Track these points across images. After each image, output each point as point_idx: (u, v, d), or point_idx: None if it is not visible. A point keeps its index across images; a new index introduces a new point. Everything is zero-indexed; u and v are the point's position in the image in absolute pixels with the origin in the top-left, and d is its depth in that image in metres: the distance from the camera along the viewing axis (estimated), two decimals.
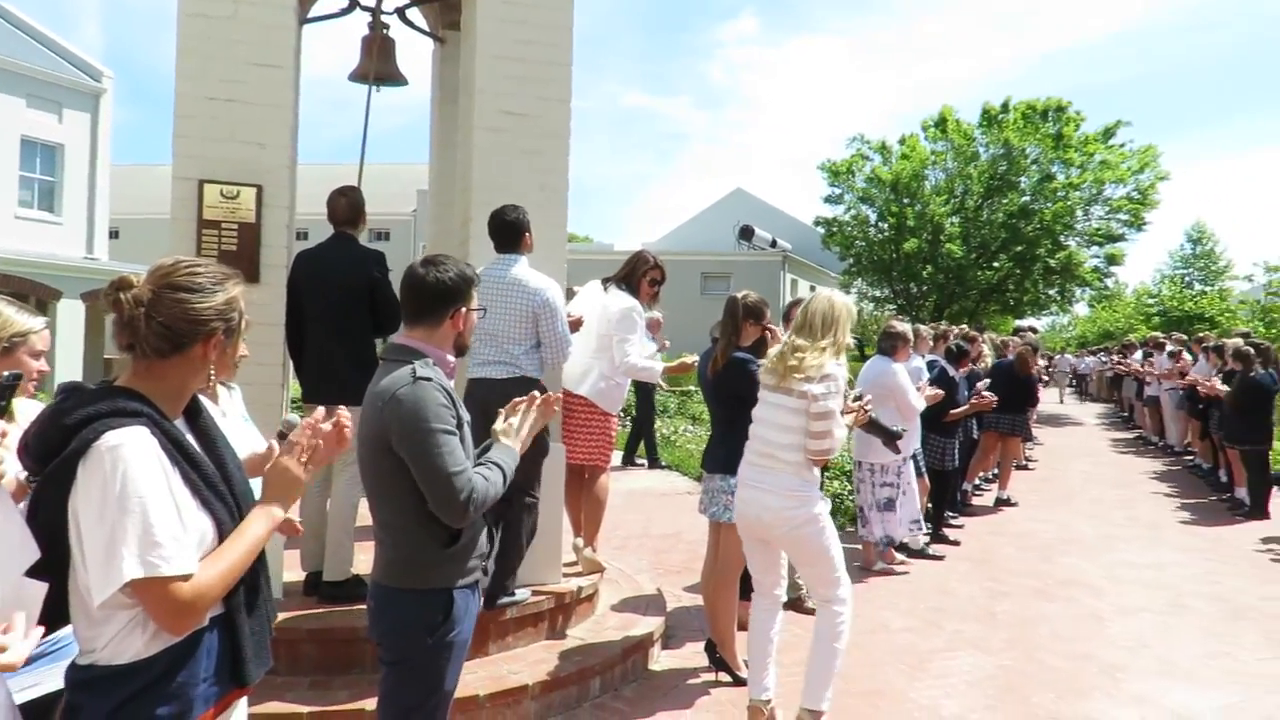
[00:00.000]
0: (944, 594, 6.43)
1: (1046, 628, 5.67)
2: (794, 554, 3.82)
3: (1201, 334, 14.44)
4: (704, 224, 38.77)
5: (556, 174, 4.96)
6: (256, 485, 1.95)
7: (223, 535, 1.78)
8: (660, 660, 4.90)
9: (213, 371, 1.88)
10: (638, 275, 5.42)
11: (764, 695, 3.90)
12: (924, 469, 7.73)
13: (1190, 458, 12.87)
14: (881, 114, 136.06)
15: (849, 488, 8.13)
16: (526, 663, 4.31)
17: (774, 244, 33.87)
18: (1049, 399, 25.56)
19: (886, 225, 26.85)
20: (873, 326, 26.47)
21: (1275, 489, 9.65)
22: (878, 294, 29.27)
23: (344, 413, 2.04)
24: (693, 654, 4.97)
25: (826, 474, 8.27)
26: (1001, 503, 9.85)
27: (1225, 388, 9.53)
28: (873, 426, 4.92)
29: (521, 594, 4.58)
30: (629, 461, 11.63)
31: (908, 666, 4.94)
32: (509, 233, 4.50)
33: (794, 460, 3.68)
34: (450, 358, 2.58)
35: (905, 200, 26.16)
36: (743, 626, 4.45)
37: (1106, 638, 5.51)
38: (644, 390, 11.31)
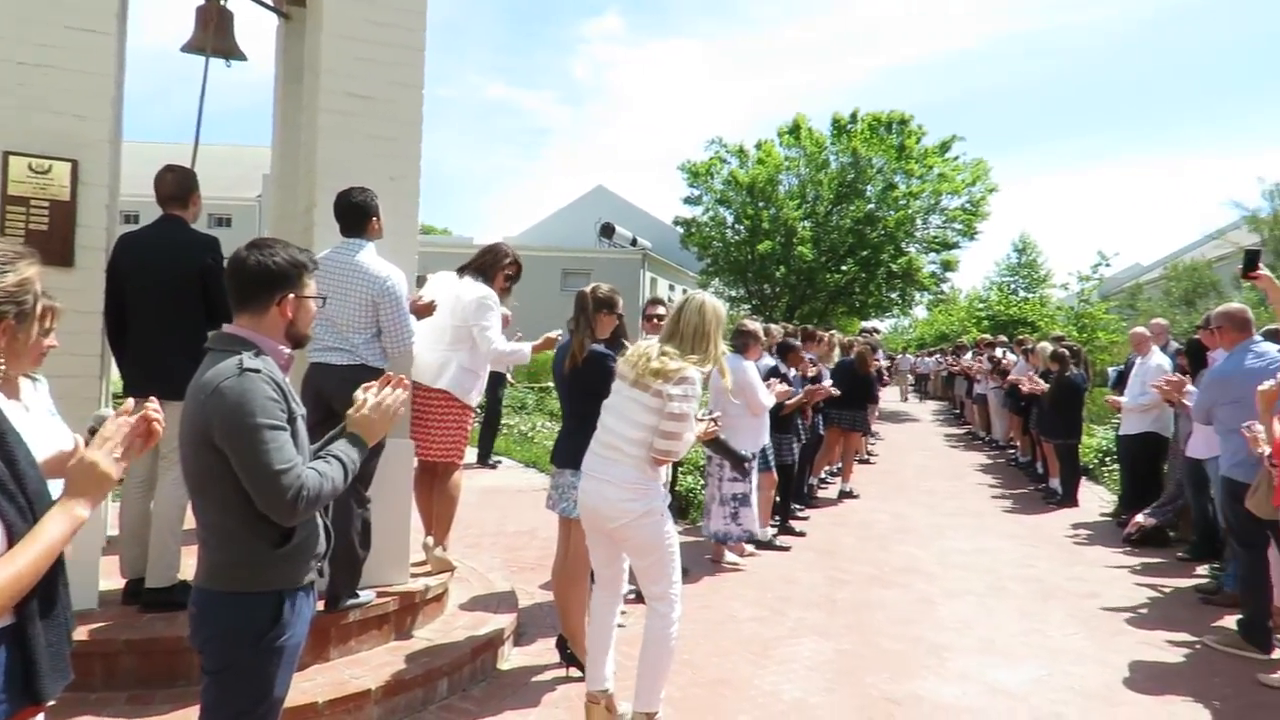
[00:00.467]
0: (789, 583, 6.67)
1: (883, 613, 5.98)
2: (630, 547, 3.82)
3: (1022, 336, 15.60)
4: (565, 220, 38.77)
5: (407, 162, 4.81)
6: (62, 485, 1.79)
7: (13, 539, 1.63)
8: (511, 659, 4.84)
9: (1, 361, 1.70)
10: (495, 268, 5.34)
11: (601, 685, 3.91)
12: (772, 464, 8.02)
13: (1012, 451, 13.89)
14: (740, 118, 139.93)
15: (701, 482, 8.29)
16: (370, 666, 4.17)
17: (634, 242, 34.22)
18: (892, 397, 27.07)
19: (742, 227, 27.64)
20: (728, 325, 27.31)
21: (1084, 479, 10.59)
22: (733, 294, 30.05)
23: (153, 404, 1.90)
24: (544, 651, 4.93)
25: (680, 469, 8.50)
26: (844, 495, 10.32)
27: (1045, 385, 10.34)
28: (717, 446, 4.99)
29: (365, 595, 4.42)
30: (485, 461, 11.43)
31: (753, 654, 5.09)
32: (354, 215, 4.33)
33: (637, 455, 3.68)
34: (284, 348, 2.44)
35: (761, 203, 27.04)
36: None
37: (935, 620, 5.86)
38: (492, 386, 11.15)
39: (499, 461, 11.43)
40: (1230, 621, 5.71)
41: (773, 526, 7.99)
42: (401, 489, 4.76)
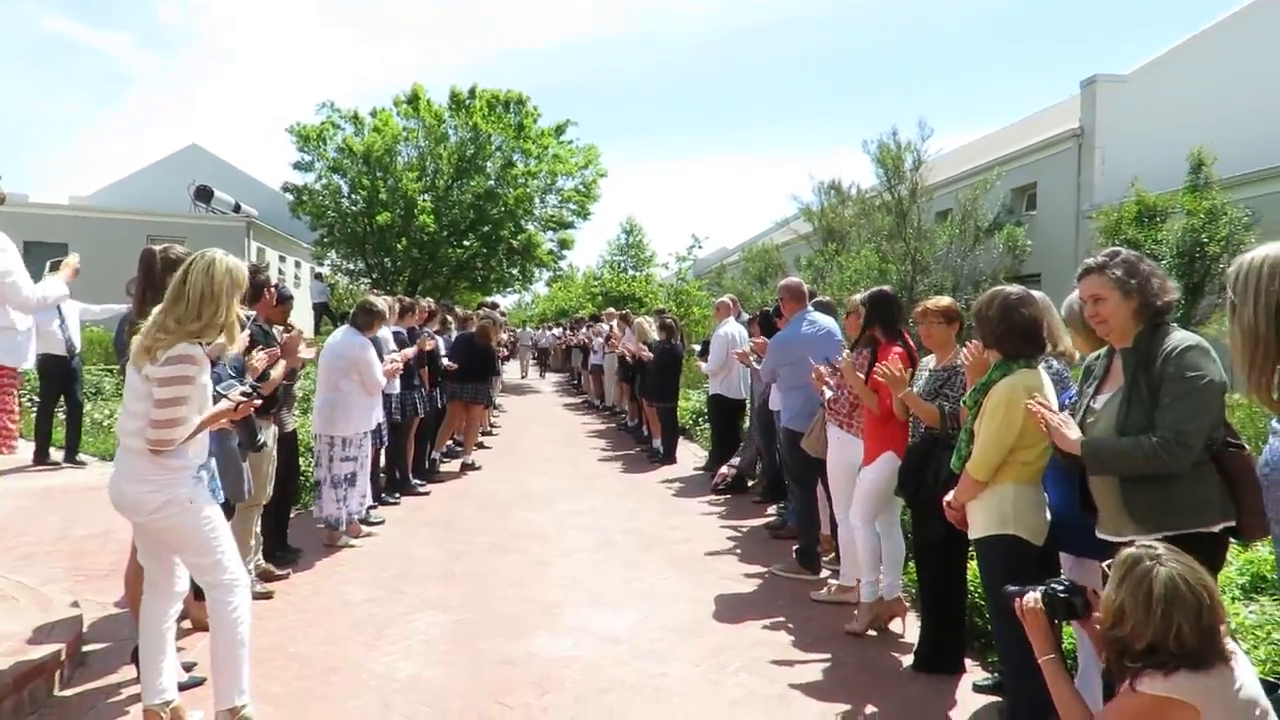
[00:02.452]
0: (407, 560, 6.53)
1: (499, 579, 6.09)
2: (165, 541, 3.51)
3: (626, 310, 16.87)
4: (152, 180, 34.01)
5: None
6: None
7: None
8: (75, 682, 4.15)
9: None
10: None
11: (160, 698, 3.54)
12: (385, 440, 7.91)
13: (622, 415, 15.00)
14: (353, 84, 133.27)
15: (310, 462, 7.82)
16: None
17: (237, 209, 31.07)
18: (513, 371, 27.78)
19: (359, 197, 26.28)
20: (348, 300, 25.79)
21: (681, 439, 11.75)
22: (352, 267, 28.59)
23: None
24: (120, 667, 4.31)
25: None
26: (467, 468, 10.37)
27: (650, 354, 11.25)
28: (244, 425, 4.65)
29: None
30: (72, 458, 9.67)
31: (367, 637, 4.90)
32: None
33: (137, 445, 3.36)
34: None
35: (378, 174, 25.92)
36: None
37: (549, 579, 6.10)
38: (66, 376, 9.54)
39: (84, 462, 9.74)
40: (792, 552, 6.63)
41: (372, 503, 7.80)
42: None
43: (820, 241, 22.90)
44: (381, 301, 7.46)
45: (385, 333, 7.71)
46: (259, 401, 3.74)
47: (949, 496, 3.73)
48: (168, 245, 4.10)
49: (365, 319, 7.07)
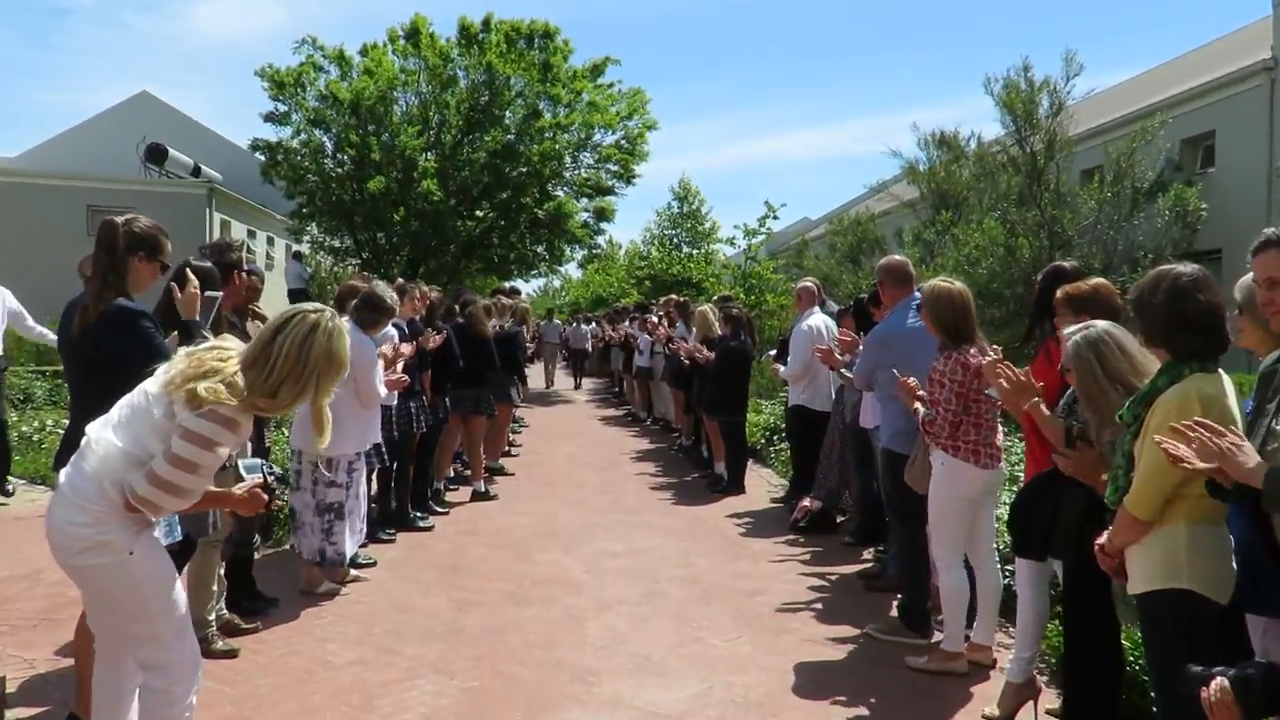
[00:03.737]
0: (404, 612, 6.58)
1: (518, 636, 6.11)
2: (86, 594, 3.50)
3: (684, 298, 16.82)
4: (94, 136, 34.88)
5: None
6: None
7: None
8: None
9: None
10: None
11: None
12: (389, 462, 8.09)
13: (675, 433, 14.99)
14: (340, 14, 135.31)
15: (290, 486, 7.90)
16: None
17: (196, 171, 31.71)
18: (536, 377, 27.78)
19: (346, 157, 26.36)
20: (330, 285, 25.99)
21: (751, 462, 11.74)
22: (337, 244, 28.71)
23: None
24: None
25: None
26: (479, 496, 10.44)
27: (709, 355, 11.23)
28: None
29: None
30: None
31: (353, 709, 4.94)
32: None
33: (109, 470, 3.31)
34: None
35: (369, 127, 25.92)
36: None
37: (582, 639, 6.10)
38: None
39: (11, 490, 9.95)
40: (893, 608, 6.53)
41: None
42: None
43: (929, 210, 22.85)
44: (391, 293, 7.50)
45: (389, 329, 7.78)
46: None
47: (1102, 539, 3.64)
48: (131, 217, 4.18)
49: (371, 314, 7.14)
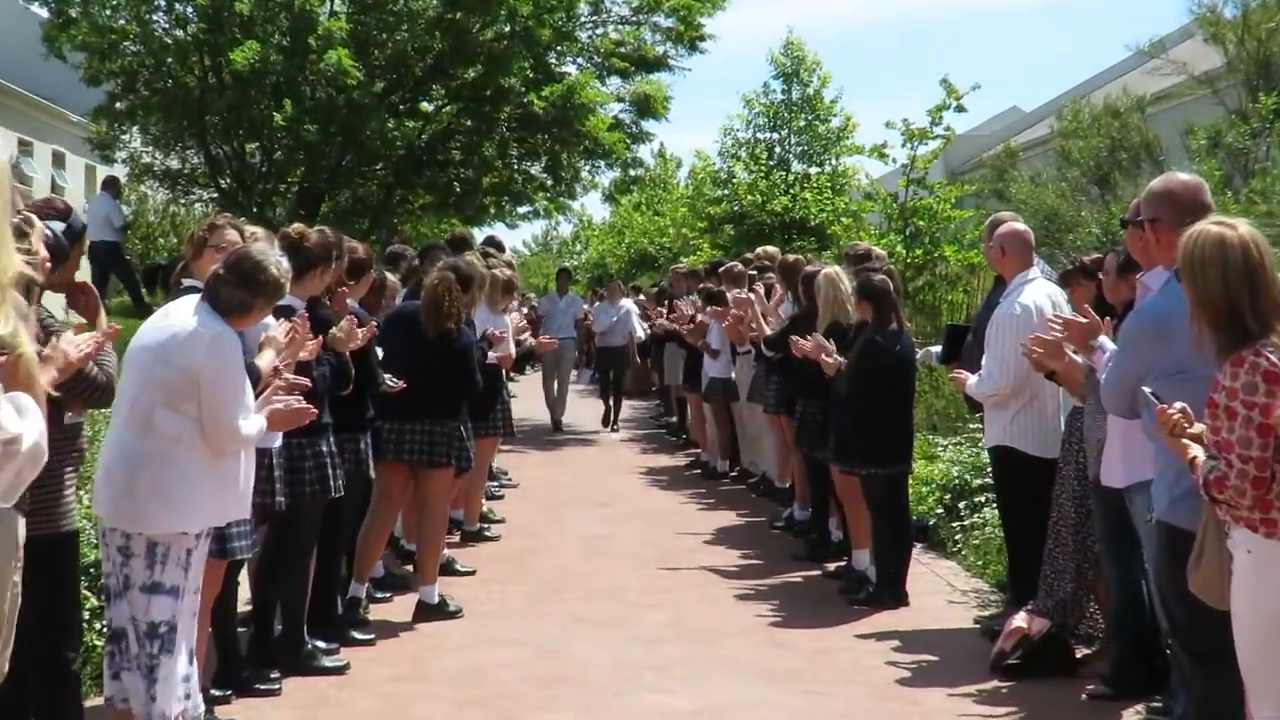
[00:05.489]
0: None
1: None
2: None
3: (794, 255, 11.66)
4: None
5: None
6: None
7: None
8: None
9: None
10: None
11: None
12: None
13: (781, 495, 10.36)
14: None
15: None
16: None
17: None
18: (531, 392, 18.52)
19: (192, 9, 17.39)
20: (167, 241, 20.07)
21: (918, 547, 8.13)
22: (176, 164, 19.50)
23: None
24: None
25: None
26: (429, 612, 7.28)
27: (835, 358, 7.58)
28: None
29: None
30: None
31: None
32: None
33: None
34: None
35: None
36: None
37: None
38: None
39: None
40: None
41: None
42: None
43: (1241, 91, 15.43)
44: (277, 258, 4.95)
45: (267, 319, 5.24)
46: None
47: None
48: None
49: (238, 291, 4.91)
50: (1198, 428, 3.81)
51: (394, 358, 7.09)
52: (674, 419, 16.11)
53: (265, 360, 4.87)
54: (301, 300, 5.76)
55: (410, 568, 7.93)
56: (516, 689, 6.26)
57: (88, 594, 5.18)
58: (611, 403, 17.10)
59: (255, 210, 16.18)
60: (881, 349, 7.44)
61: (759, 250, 12.32)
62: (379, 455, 7.05)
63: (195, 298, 4.81)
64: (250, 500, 5.02)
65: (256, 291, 4.77)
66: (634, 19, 18.65)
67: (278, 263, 4.83)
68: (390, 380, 6.82)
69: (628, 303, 17.69)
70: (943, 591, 7.93)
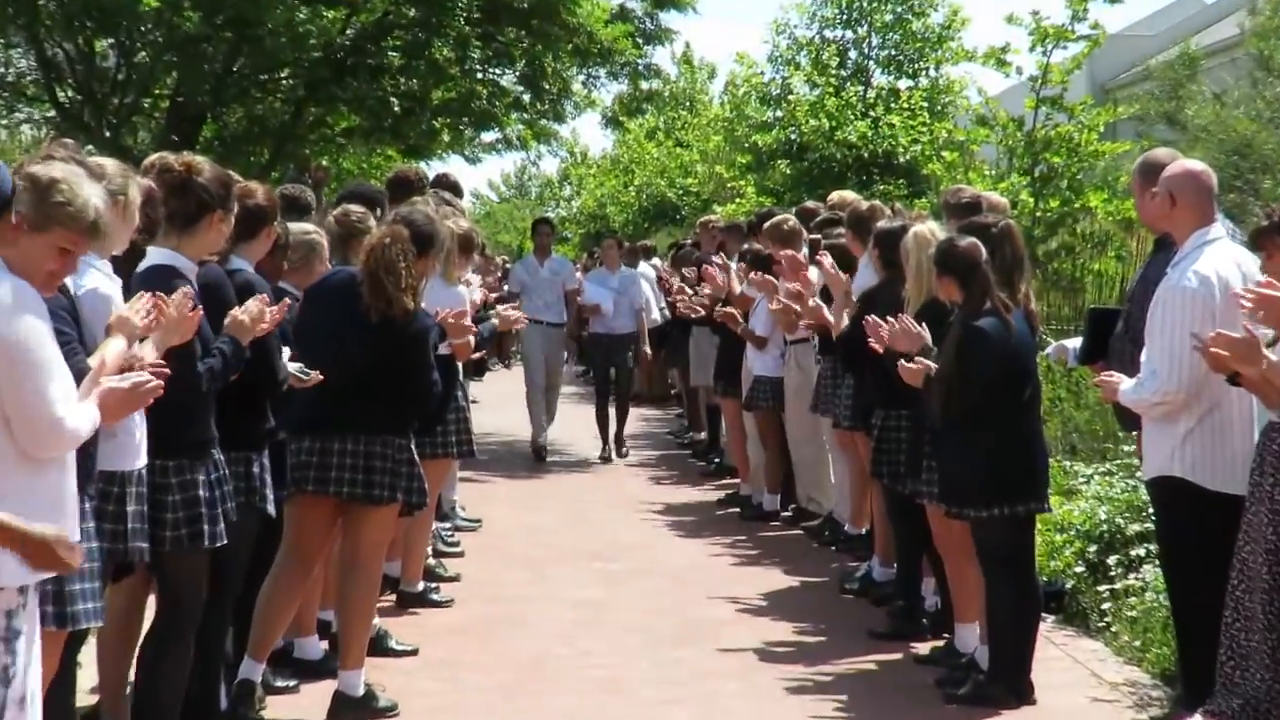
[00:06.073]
0: None
1: None
2: None
3: (873, 203, 9.40)
4: None
5: None
6: None
7: None
8: None
9: None
10: None
11: None
12: None
13: (854, 542, 8.33)
14: None
15: None
16: None
17: None
18: (500, 390, 15.57)
19: None
20: (11, 159, 16.28)
21: (1049, 620, 6.37)
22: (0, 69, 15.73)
23: None
24: None
25: None
26: (349, 708, 5.62)
27: (926, 364, 5.65)
28: None
29: None
30: None
31: None
32: None
33: None
34: None
35: None
36: None
37: None
38: None
39: None
40: None
41: None
42: None
43: None
44: (93, 187, 3.70)
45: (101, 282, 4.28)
46: None
47: None
48: None
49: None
50: None
51: (314, 348, 5.52)
52: (702, 436, 12.82)
53: (111, 351, 3.84)
54: (190, 262, 4.74)
55: (325, 645, 6.04)
56: None
57: None
58: (613, 413, 12.82)
59: (109, 134, 12.80)
60: (987, 339, 5.52)
61: (831, 197, 9.64)
62: (290, 485, 5.55)
63: None
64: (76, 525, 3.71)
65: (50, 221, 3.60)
66: None
67: (91, 192, 3.63)
68: (299, 371, 5.27)
69: (642, 268, 14.15)
70: (1084, 684, 6.22)
